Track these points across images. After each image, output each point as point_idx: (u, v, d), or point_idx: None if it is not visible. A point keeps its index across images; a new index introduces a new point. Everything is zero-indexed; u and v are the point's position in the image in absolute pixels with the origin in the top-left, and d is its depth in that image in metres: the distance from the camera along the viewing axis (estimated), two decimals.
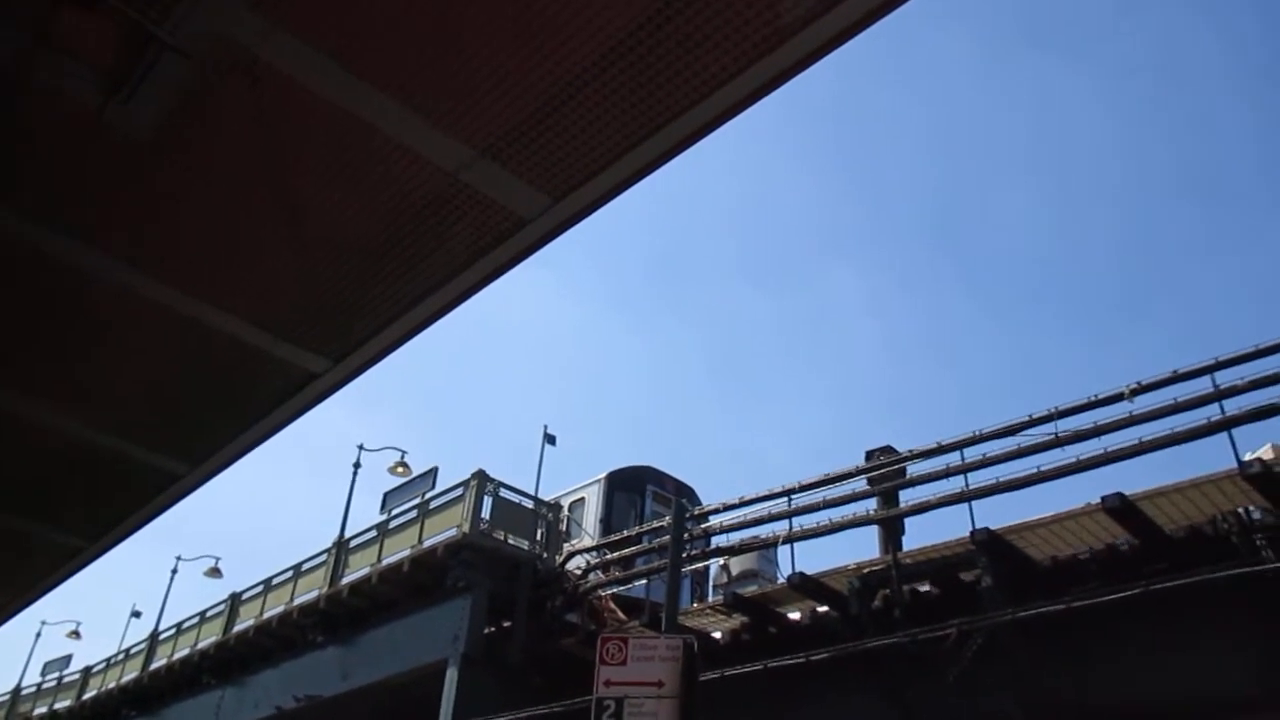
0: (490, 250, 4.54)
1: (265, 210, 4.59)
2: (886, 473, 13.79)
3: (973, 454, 12.63)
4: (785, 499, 14.39)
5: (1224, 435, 10.68)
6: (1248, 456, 10.49)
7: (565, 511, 20.13)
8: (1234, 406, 10.73)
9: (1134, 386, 11.47)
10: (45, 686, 33.88)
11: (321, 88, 3.85)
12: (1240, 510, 10.85)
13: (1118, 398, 11.56)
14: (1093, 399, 11.78)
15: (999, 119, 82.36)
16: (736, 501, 15.21)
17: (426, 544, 18.25)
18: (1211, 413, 10.83)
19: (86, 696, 30.23)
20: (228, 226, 4.73)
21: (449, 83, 3.78)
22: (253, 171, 4.39)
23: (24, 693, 34.92)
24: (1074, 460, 11.67)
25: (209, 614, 25.61)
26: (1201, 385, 11.01)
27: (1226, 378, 10.84)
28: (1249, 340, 10.91)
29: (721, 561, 18.75)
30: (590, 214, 4.33)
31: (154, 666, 26.90)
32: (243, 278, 4.99)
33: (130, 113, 4.03)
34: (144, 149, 4.30)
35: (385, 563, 19.16)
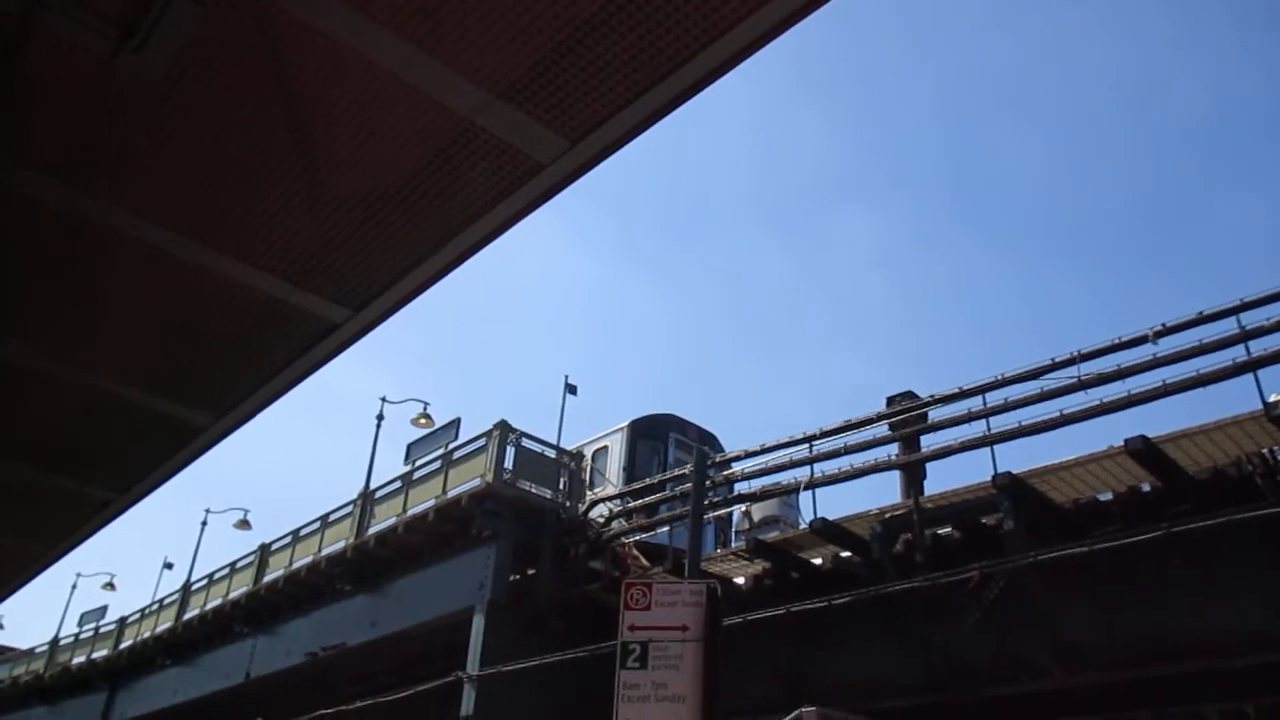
0: (508, 195, 4.51)
1: (280, 157, 4.56)
2: (908, 418, 13.76)
3: (994, 398, 12.58)
4: (806, 445, 14.40)
5: (1249, 377, 10.59)
6: (1273, 398, 10.40)
7: (588, 460, 20.22)
8: (1259, 348, 10.62)
9: (1158, 329, 11.35)
10: (83, 636, 34.68)
11: (334, 30, 3.80)
12: (1265, 451, 10.78)
13: (1142, 340, 11.44)
14: (1116, 341, 11.65)
15: (1009, 64, 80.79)
16: (758, 448, 15.23)
17: (451, 494, 18.41)
18: (1237, 354, 10.73)
19: (123, 646, 30.92)
20: (243, 175, 4.71)
21: (464, 23, 3.72)
22: (267, 118, 4.36)
23: (62, 642, 35.77)
24: (1097, 403, 11.59)
25: (239, 565, 26.07)
26: (1227, 326, 10.89)
27: (1252, 319, 10.73)
28: (1265, 279, 10.79)
29: (744, 508, 18.88)
30: (608, 157, 4.28)
31: (187, 616, 27.46)
32: (259, 227, 4.98)
33: (142, 61, 4.00)
34: (157, 98, 4.27)
35: (410, 513, 19.37)
